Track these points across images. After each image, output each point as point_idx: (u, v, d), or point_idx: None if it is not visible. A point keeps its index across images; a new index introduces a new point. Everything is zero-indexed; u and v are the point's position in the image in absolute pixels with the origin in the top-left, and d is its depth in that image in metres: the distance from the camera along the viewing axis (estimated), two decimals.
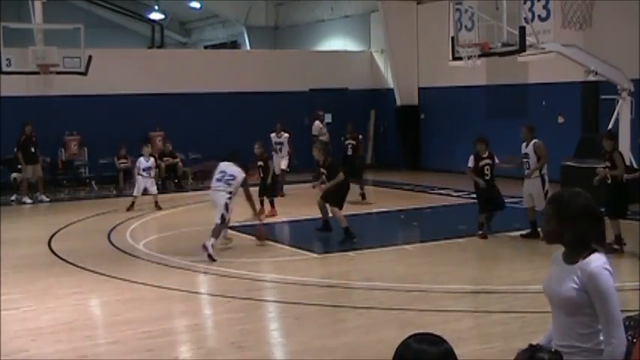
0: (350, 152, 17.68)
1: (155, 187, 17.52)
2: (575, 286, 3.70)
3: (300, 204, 16.31)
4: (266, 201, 15.78)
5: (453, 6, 16.42)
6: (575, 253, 3.79)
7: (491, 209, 13.12)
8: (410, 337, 2.60)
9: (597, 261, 3.70)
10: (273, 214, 15.69)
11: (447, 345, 2.58)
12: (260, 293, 10.03)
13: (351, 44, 27.35)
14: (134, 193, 17.25)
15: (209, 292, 10.38)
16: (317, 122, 21.87)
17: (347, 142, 17.78)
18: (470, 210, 15.91)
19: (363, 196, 17.11)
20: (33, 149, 19.32)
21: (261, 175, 15.87)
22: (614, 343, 3.62)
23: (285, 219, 15.63)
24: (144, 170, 17.32)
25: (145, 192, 17.30)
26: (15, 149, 19.37)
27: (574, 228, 3.76)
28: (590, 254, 3.75)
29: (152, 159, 17.80)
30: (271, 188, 16.00)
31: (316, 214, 15.99)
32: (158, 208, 17.20)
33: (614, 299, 3.66)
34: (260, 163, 15.90)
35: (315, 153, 13.77)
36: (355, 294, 9.86)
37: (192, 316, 9.18)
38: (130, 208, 16.98)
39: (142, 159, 17.54)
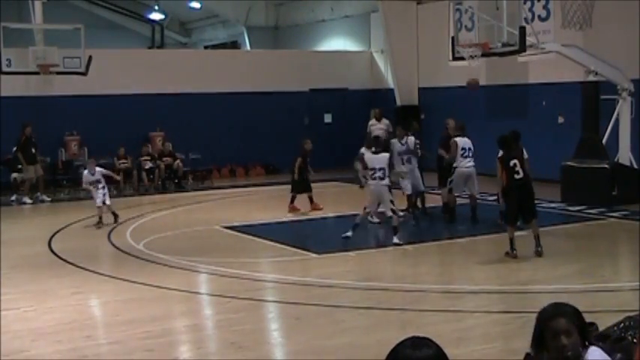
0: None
1: (106, 199, 15.21)
2: None
3: (301, 203, 16.29)
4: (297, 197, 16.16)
5: (453, 6, 16.44)
6: None
7: None
8: (399, 343, 2.55)
9: None
10: (317, 208, 16.16)
11: (434, 349, 2.52)
12: (260, 293, 10.02)
13: (351, 44, 27.34)
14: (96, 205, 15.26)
15: (209, 292, 10.37)
16: (383, 120, 21.73)
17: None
18: (469, 210, 15.90)
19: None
20: (33, 150, 19.32)
21: (308, 170, 16.16)
22: None
23: (285, 219, 15.63)
24: (90, 184, 15.30)
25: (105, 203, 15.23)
26: (15, 149, 19.36)
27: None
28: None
29: (98, 171, 15.41)
30: (308, 184, 16.24)
31: (317, 213, 16.06)
32: (110, 216, 15.29)
33: None
34: (308, 159, 16.16)
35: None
36: (355, 294, 9.85)
37: (192, 316, 9.17)
38: (100, 222, 15.11)
39: (85, 172, 15.55)
